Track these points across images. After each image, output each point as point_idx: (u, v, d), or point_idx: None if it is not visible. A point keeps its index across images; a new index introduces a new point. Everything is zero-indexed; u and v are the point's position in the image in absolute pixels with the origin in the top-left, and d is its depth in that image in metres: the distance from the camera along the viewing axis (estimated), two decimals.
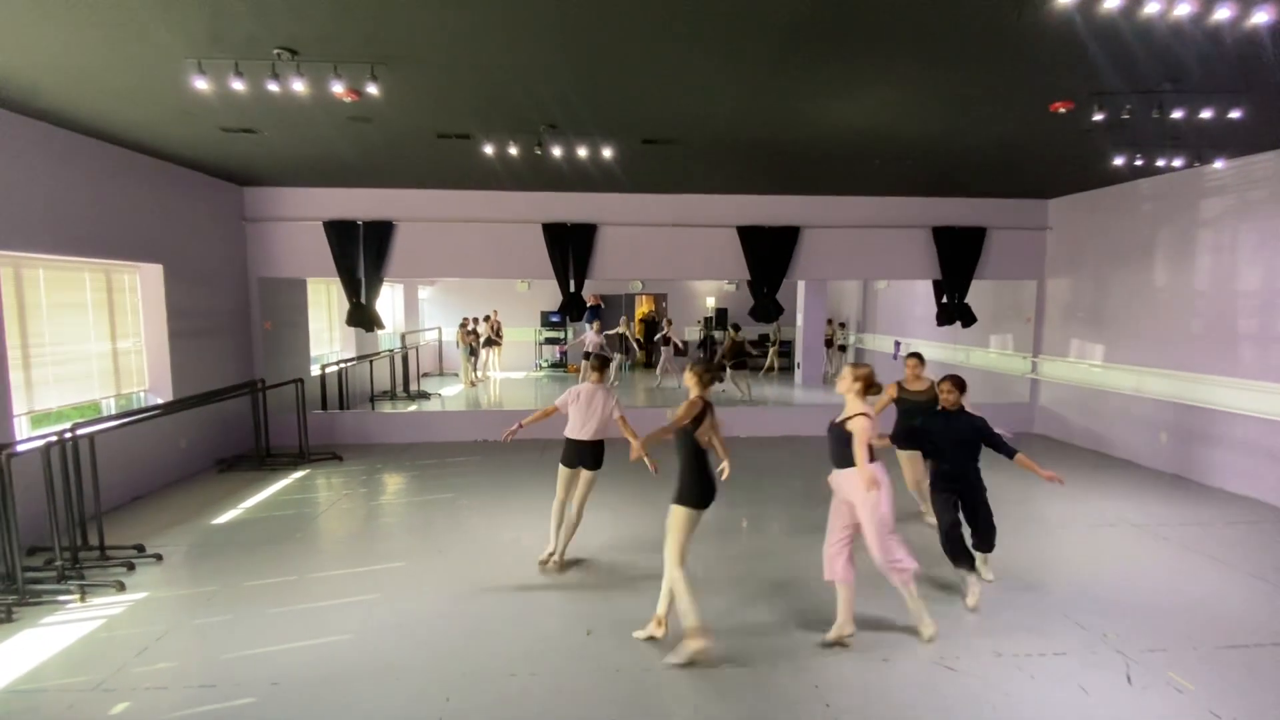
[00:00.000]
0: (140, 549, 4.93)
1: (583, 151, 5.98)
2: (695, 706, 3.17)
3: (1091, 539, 5.31)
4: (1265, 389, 6.21)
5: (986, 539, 4.31)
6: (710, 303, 16.69)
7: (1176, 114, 4.76)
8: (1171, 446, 7.23)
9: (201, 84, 4.11)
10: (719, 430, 3.72)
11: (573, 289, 8.65)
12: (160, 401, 6.55)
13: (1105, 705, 3.16)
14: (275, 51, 3.88)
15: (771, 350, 15.12)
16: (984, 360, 10.38)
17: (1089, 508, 6.07)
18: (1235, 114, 4.76)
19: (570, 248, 8.56)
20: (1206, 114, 4.75)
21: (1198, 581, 4.54)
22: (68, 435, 4.61)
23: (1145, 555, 5.00)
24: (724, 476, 3.75)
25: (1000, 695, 3.24)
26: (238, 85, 4.11)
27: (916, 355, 5.39)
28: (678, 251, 8.79)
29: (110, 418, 5.27)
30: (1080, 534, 5.42)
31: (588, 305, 9.22)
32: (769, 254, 8.77)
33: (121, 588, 4.36)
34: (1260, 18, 3.35)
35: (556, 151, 5.95)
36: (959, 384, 4.35)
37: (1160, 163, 6.37)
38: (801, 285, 12.71)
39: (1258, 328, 6.35)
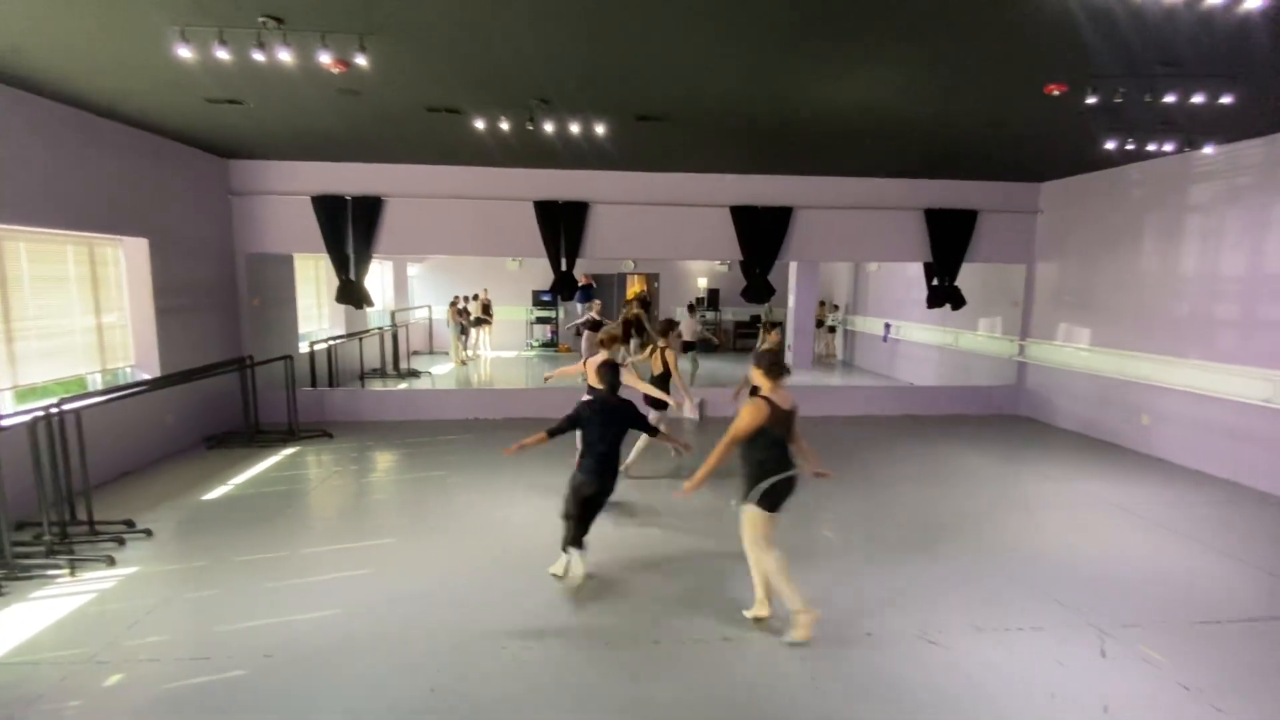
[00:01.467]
0: (130, 524, 4.93)
1: (575, 128, 5.91)
2: (682, 680, 3.23)
3: (1072, 518, 5.42)
4: (1246, 373, 6.31)
5: None
6: (703, 283, 16.68)
7: (1169, 98, 4.77)
8: (1153, 429, 7.36)
9: (185, 53, 4.01)
10: None
11: (564, 268, 8.61)
12: (147, 377, 6.49)
13: (1080, 677, 3.26)
14: (260, 20, 3.79)
15: (763, 331, 15.18)
16: (972, 343, 10.48)
17: (1070, 488, 6.18)
18: (1226, 99, 4.78)
19: (562, 226, 8.49)
20: (1198, 98, 4.76)
21: (1173, 560, 4.66)
22: (54, 410, 4.57)
23: (1124, 534, 5.11)
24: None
25: (979, 668, 3.33)
26: (222, 54, 4.02)
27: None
28: (671, 231, 8.75)
29: (96, 393, 5.23)
30: (1061, 514, 5.53)
31: (579, 285, 9.19)
32: (762, 234, 8.75)
33: (111, 562, 4.37)
34: (1253, 3, 3.35)
35: (549, 127, 5.88)
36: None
37: (1151, 147, 6.40)
38: (794, 266, 12.72)
39: (1240, 313, 6.43)
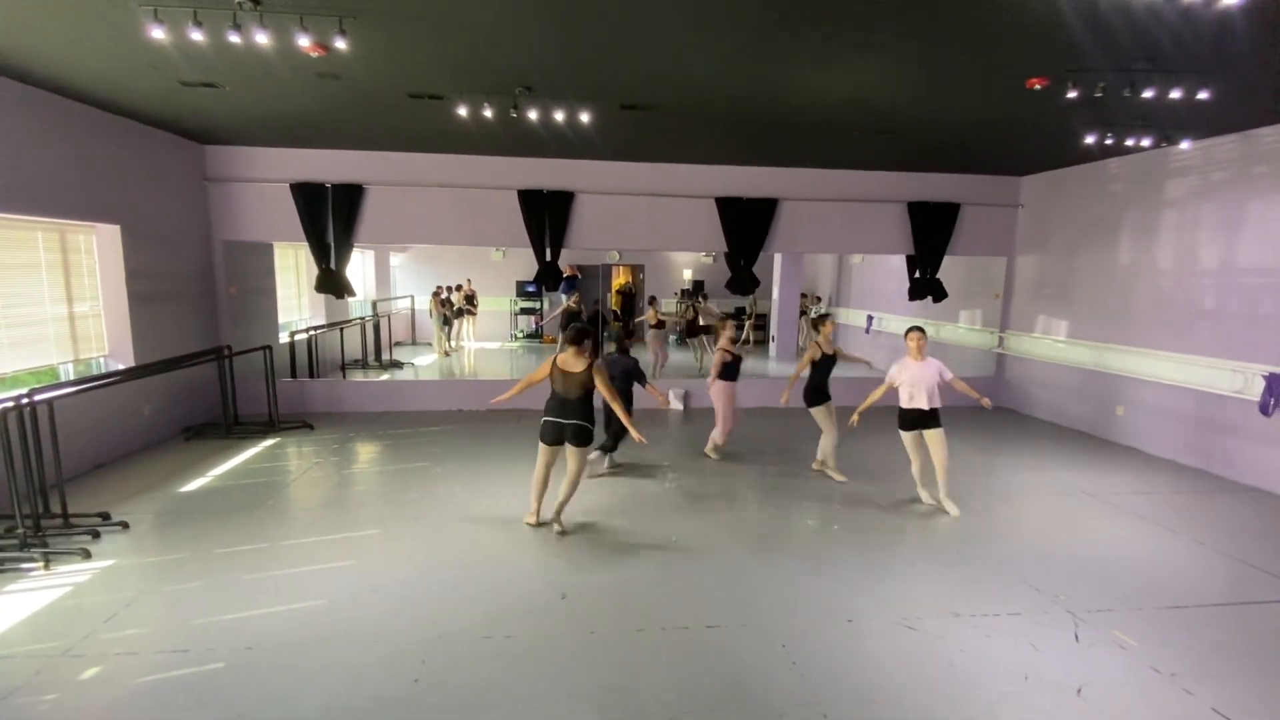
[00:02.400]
0: (106, 517, 4.84)
1: (560, 116, 5.86)
2: (666, 667, 3.26)
3: (1047, 507, 5.53)
4: (1218, 365, 6.46)
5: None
6: (688, 274, 16.67)
7: (1148, 93, 4.83)
8: (1128, 419, 7.52)
9: (158, 34, 3.90)
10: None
11: (549, 258, 8.56)
12: (121, 367, 6.36)
13: (1054, 661, 3.34)
14: (236, 0, 3.70)
15: (748, 323, 15.22)
16: (953, 335, 10.60)
17: (1046, 477, 6.30)
18: (1203, 95, 4.86)
19: (547, 216, 8.43)
20: (1176, 94, 4.82)
21: (1146, 547, 4.77)
22: (25, 401, 4.47)
23: (1098, 522, 5.22)
24: None
25: (957, 652, 3.39)
26: (197, 36, 3.91)
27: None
28: (656, 222, 8.73)
29: (69, 383, 5.10)
30: (1037, 502, 5.64)
31: (564, 275, 9.14)
32: (747, 226, 8.76)
33: (87, 555, 4.29)
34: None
35: (533, 115, 5.81)
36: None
37: (1130, 142, 6.49)
38: (778, 259, 12.76)
39: (1213, 306, 6.57)
